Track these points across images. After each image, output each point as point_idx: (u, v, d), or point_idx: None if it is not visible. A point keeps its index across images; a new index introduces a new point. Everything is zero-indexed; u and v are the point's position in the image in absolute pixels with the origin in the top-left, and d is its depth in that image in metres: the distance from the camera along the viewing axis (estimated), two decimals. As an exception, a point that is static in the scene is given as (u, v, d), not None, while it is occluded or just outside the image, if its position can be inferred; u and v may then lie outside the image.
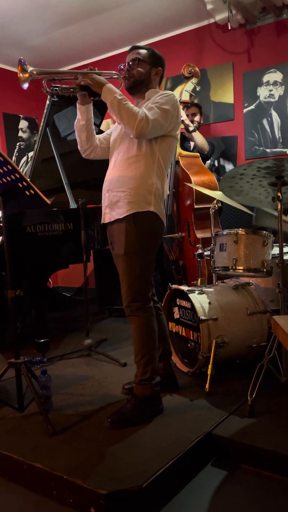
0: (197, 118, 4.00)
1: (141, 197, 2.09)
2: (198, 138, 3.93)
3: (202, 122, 4.09)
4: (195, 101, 4.41)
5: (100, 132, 2.55)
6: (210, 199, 3.36)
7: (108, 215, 2.18)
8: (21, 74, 2.02)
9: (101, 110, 3.65)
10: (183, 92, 3.84)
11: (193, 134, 3.90)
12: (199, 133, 3.95)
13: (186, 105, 3.90)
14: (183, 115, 3.79)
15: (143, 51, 2.20)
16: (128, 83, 2.20)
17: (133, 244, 2.09)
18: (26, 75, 2.01)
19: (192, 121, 3.92)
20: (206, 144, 3.96)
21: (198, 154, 3.83)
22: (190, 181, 3.52)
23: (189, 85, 3.76)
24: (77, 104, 2.21)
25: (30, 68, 2.01)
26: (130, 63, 2.18)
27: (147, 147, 2.11)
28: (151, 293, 2.21)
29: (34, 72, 2.02)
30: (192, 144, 4.06)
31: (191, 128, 3.87)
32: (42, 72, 2.06)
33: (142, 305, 2.13)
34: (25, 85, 2.04)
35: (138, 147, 2.11)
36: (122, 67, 2.20)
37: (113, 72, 2.20)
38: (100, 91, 2.05)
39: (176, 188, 3.75)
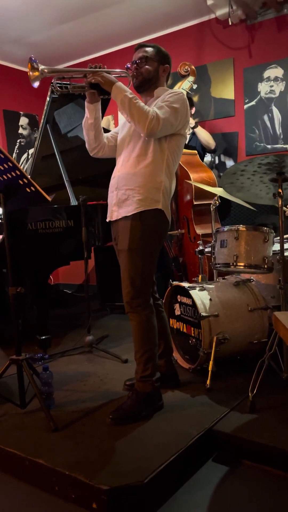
0: None
1: (149, 195, 2.09)
2: (202, 133, 3.91)
3: (193, 115, 4.04)
4: (194, 99, 4.40)
5: None
6: (209, 195, 3.36)
7: (116, 213, 2.17)
8: (31, 73, 1.97)
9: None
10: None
11: (196, 130, 3.89)
12: (201, 128, 3.94)
13: None
14: None
15: (150, 49, 2.21)
16: (136, 81, 2.21)
17: (137, 240, 2.09)
18: (37, 73, 1.97)
19: None
20: (211, 139, 3.94)
21: (196, 151, 3.81)
22: (189, 178, 3.52)
23: (186, 84, 3.75)
24: (85, 102, 2.21)
25: (41, 67, 1.96)
26: (138, 61, 2.19)
27: (157, 145, 2.10)
28: (152, 290, 2.21)
29: (45, 70, 1.98)
30: (188, 138, 4.04)
31: (192, 125, 3.87)
32: (53, 70, 2.02)
33: (142, 302, 2.13)
34: (36, 84, 1.99)
35: (147, 145, 2.11)
36: (129, 65, 2.20)
37: (122, 70, 2.20)
38: (110, 90, 2.05)
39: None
